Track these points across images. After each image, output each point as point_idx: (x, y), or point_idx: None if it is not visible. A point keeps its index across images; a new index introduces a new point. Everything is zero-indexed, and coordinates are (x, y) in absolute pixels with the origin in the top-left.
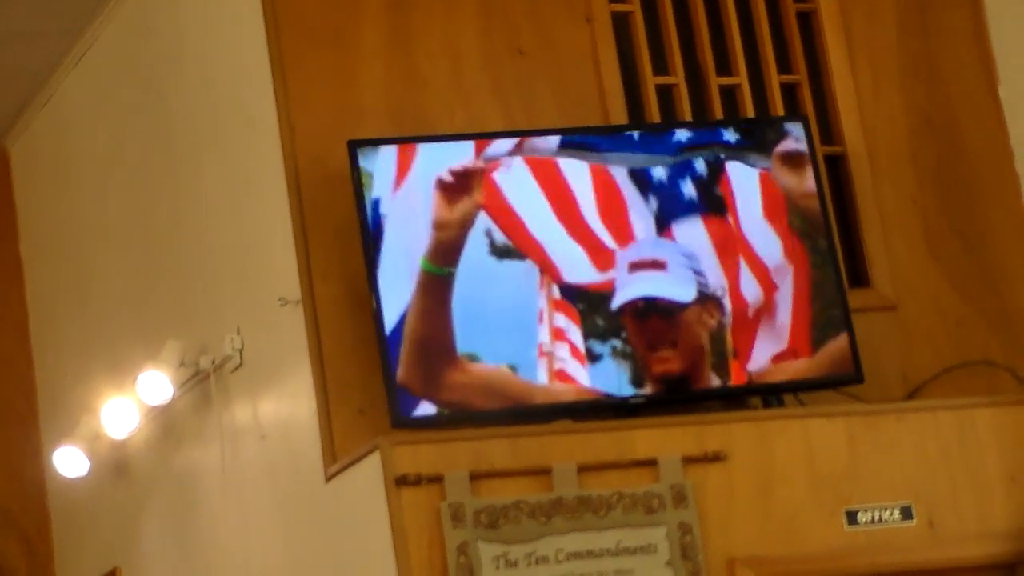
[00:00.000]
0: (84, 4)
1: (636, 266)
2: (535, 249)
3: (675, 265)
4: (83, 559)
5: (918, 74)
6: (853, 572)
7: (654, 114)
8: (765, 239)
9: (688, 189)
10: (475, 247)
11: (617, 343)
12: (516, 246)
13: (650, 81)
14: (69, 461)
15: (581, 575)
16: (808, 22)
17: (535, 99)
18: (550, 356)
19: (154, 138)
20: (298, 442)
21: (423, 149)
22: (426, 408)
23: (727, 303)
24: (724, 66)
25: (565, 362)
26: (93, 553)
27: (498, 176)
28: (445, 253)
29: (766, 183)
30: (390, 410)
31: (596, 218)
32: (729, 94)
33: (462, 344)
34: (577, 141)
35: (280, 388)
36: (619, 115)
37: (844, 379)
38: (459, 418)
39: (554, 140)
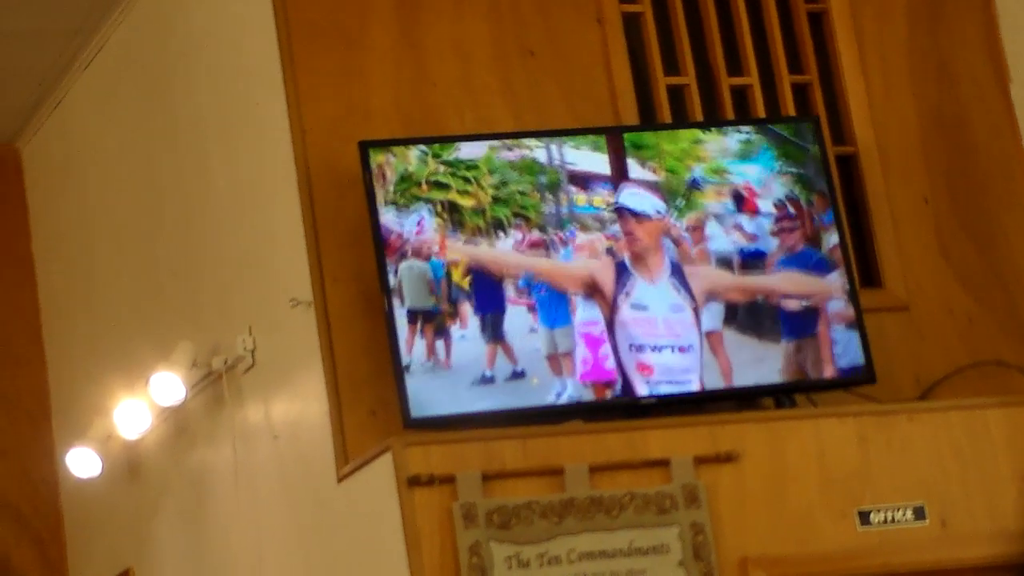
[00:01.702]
0: (95, 5)
1: None
2: None
3: None
4: (95, 560)
5: (929, 74)
6: (866, 572)
7: (665, 115)
8: None
9: None
10: None
11: None
12: None
13: (661, 81)
14: (82, 462)
15: (593, 575)
16: (819, 22)
17: (545, 100)
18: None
19: (165, 138)
20: (310, 443)
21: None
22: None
23: None
24: (735, 66)
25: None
26: (105, 554)
27: None
28: None
29: None
30: (401, 411)
31: None
32: (740, 94)
33: None
34: None
35: (292, 389)
36: (630, 115)
37: (856, 379)
38: (471, 419)
39: None
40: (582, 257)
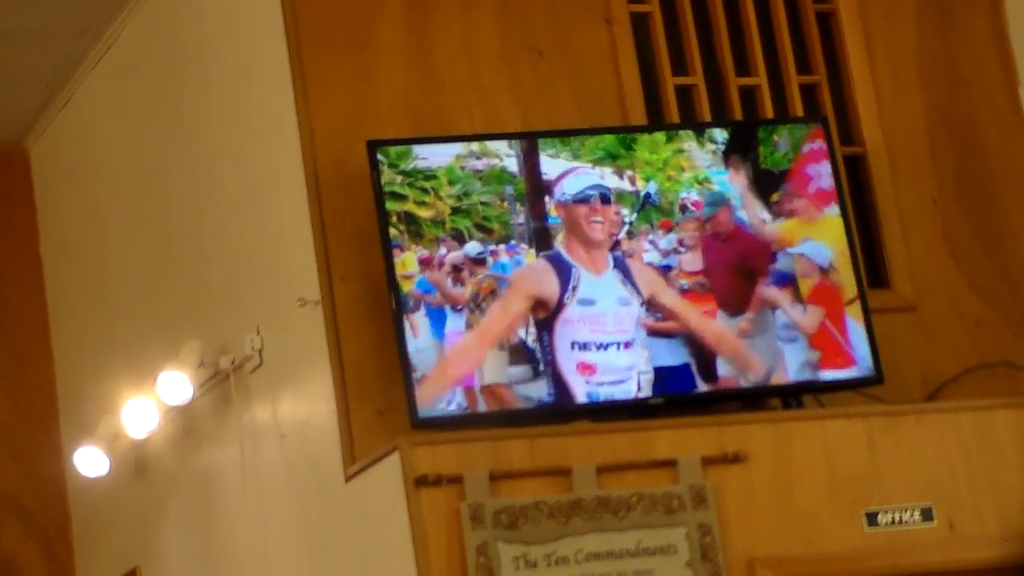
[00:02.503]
0: (104, 4)
1: None
2: None
3: None
4: (103, 559)
5: (937, 74)
6: (873, 573)
7: (673, 115)
8: None
9: None
10: None
11: None
12: None
13: (669, 81)
14: (89, 461)
15: (601, 575)
16: (827, 22)
17: (554, 100)
18: None
19: (173, 138)
20: (318, 442)
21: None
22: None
23: None
24: (743, 66)
25: None
26: (113, 553)
27: None
28: None
29: None
30: (409, 410)
31: None
32: (748, 94)
33: None
34: None
35: (299, 388)
36: (638, 116)
37: (864, 380)
38: (478, 419)
39: None
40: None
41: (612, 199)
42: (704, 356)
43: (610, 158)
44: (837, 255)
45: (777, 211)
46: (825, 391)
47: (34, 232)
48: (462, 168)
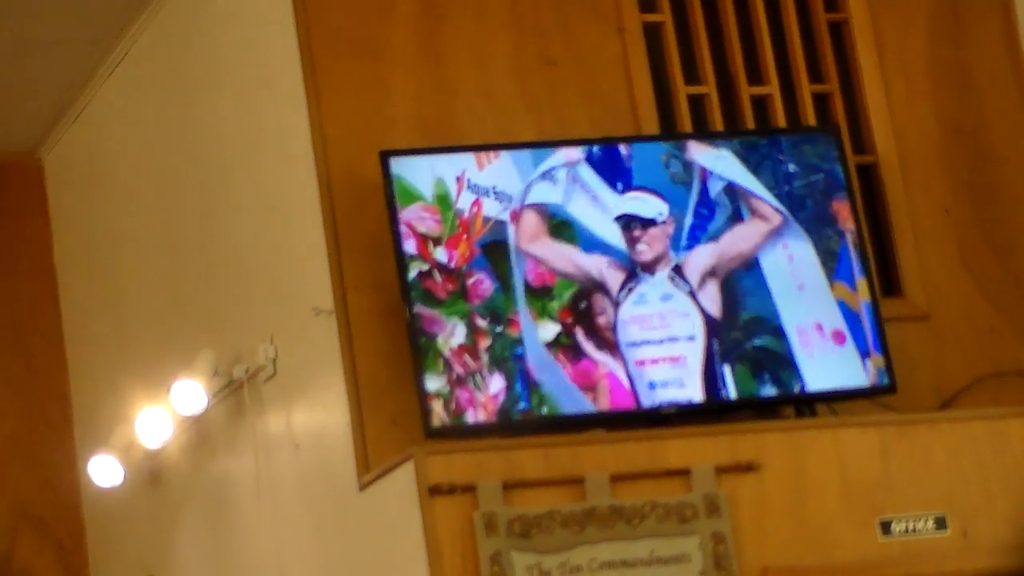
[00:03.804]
0: (118, 14)
1: None
2: None
3: None
4: (117, 568)
5: (950, 83)
6: None
7: (686, 124)
8: None
9: None
10: None
11: None
12: None
13: (681, 91)
14: (103, 470)
15: None
16: (839, 31)
17: (566, 109)
18: None
19: (187, 147)
20: (331, 452)
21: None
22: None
23: None
24: (755, 76)
25: None
26: (127, 562)
27: None
28: None
29: None
30: (423, 420)
31: None
32: (760, 104)
33: None
34: None
35: (313, 398)
36: (650, 125)
37: (877, 389)
38: (492, 428)
39: None
40: None
41: (654, 217)
42: None
43: None
44: None
45: None
46: (839, 400)
47: (48, 242)
48: None
